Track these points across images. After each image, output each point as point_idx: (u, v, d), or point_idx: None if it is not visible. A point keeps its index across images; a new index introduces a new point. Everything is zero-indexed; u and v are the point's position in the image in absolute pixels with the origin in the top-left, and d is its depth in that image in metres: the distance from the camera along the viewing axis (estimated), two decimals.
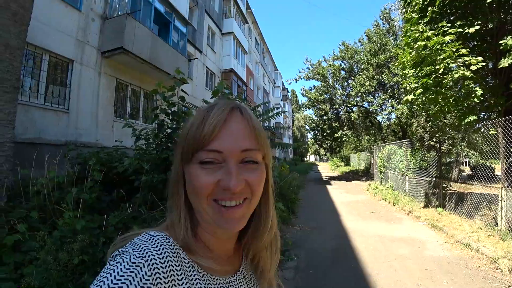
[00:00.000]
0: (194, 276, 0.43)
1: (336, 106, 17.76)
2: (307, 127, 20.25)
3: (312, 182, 15.78)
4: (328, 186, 13.52)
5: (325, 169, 32.83)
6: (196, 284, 0.42)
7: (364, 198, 9.77)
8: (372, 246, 4.47)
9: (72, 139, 5.97)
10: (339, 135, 17.08)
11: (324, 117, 18.42)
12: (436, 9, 5.35)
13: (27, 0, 3.48)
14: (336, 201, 8.98)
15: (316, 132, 20.27)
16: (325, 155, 37.35)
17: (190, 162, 0.45)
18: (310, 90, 19.01)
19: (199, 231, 0.49)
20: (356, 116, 16.69)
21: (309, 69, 18.73)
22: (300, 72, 19.25)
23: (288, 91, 45.65)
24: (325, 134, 19.21)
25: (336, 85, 18.16)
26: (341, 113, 18.26)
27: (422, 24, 5.57)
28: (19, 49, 3.43)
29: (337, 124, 17.80)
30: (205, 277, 0.45)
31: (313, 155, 73.75)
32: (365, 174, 18.47)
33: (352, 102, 16.71)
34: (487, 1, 4.49)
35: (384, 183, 11.02)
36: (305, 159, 60.62)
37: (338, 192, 11.27)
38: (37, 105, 5.58)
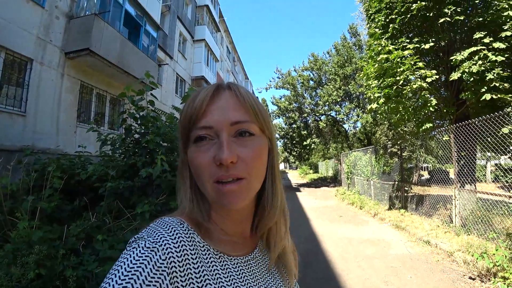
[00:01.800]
0: (209, 258, 0.43)
1: (305, 115, 18.26)
2: (277, 135, 20.48)
3: None
4: (298, 193, 13.77)
5: (295, 176, 33.37)
6: (212, 266, 0.43)
7: (332, 203, 10.09)
8: (341, 248, 4.62)
9: (29, 144, 5.51)
10: (308, 143, 17.51)
11: (293, 125, 18.77)
12: (396, 26, 5.81)
13: None
14: (306, 207, 9.17)
15: (285, 140, 20.52)
16: (294, 162, 38.00)
17: (188, 145, 0.46)
18: (280, 98, 19.36)
19: (212, 215, 0.48)
20: (324, 125, 17.28)
21: (279, 78, 19.18)
22: (270, 81, 19.67)
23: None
24: (294, 142, 19.54)
25: (305, 94, 18.71)
26: (309, 121, 18.75)
27: (384, 39, 6.01)
28: None
29: (306, 132, 18.25)
30: (221, 258, 0.45)
31: (282, 163, 74.92)
32: (333, 181, 19.11)
33: (320, 111, 17.32)
34: (439, 22, 4.98)
35: (351, 189, 11.49)
36: None
37: (308, 199, 11.52)
38: None
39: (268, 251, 0.56)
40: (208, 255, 0.44)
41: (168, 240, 0.39)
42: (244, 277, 0.47)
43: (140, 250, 0.36)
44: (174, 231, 0.41)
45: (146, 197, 2.97)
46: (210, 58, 16.12)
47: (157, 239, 0.38)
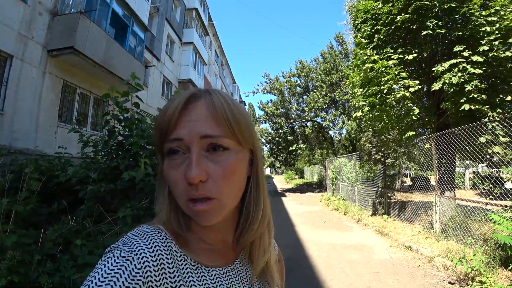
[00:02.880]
0: (186, 269, 0.43)
1: (291, 120, 18.43)
2: (263, 140, 20.53)
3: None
4: (283, 198, 13.78)
5: (280, 181, 33.27)
6: (188, 277, 0.42)
7: (317, 208, 10.17)
8: (325, 254, 4.65)
9: (6, 144, 5.26)
10: (294, 148, 17.65)
11: (280, 131, 18.85)
12: (381, 37, 5.99)
13: None
14: (291, 212, 9.19)
15: (271, 145, 20.58)
16: (280, 167, 38.11)
17: (164, 157, 0.45)
18: (267, 103, 19.45)
19: (192, 224, 0.48)
20: (310, 131, 17.51)
21: (267, 83, 19.30)
22: (258, 85, 19.71)
23: (245, 104, 46.35)
24: (280, 147, 19.63)
25: (292, 100, 18.89)
26: (296, 127, 18.92)
27: (370, 49, 6.18)
28: None
29: (292, 137, 18.38)
30: (198, 269, 0.45)
31: (268, 168, 74.83)
32: (318, 186, 19.29)
33: (307, 117, 17.55)
34: (422, 34, 5.18)
35: (336, 194, 11.63)
36: None
37: (293, 204, 11.55)
38: None
39: (251, 264, 0.54)
40: (185, 265, 0.43)
41: (144, 249, 0.38)
42: None
43: (115, 260, 0.36)
44: (151, 239, 0.40)
45: (128, 201, 2.89)
46: (198, 61, 16.03)
47: (132, 248, 0.38)
